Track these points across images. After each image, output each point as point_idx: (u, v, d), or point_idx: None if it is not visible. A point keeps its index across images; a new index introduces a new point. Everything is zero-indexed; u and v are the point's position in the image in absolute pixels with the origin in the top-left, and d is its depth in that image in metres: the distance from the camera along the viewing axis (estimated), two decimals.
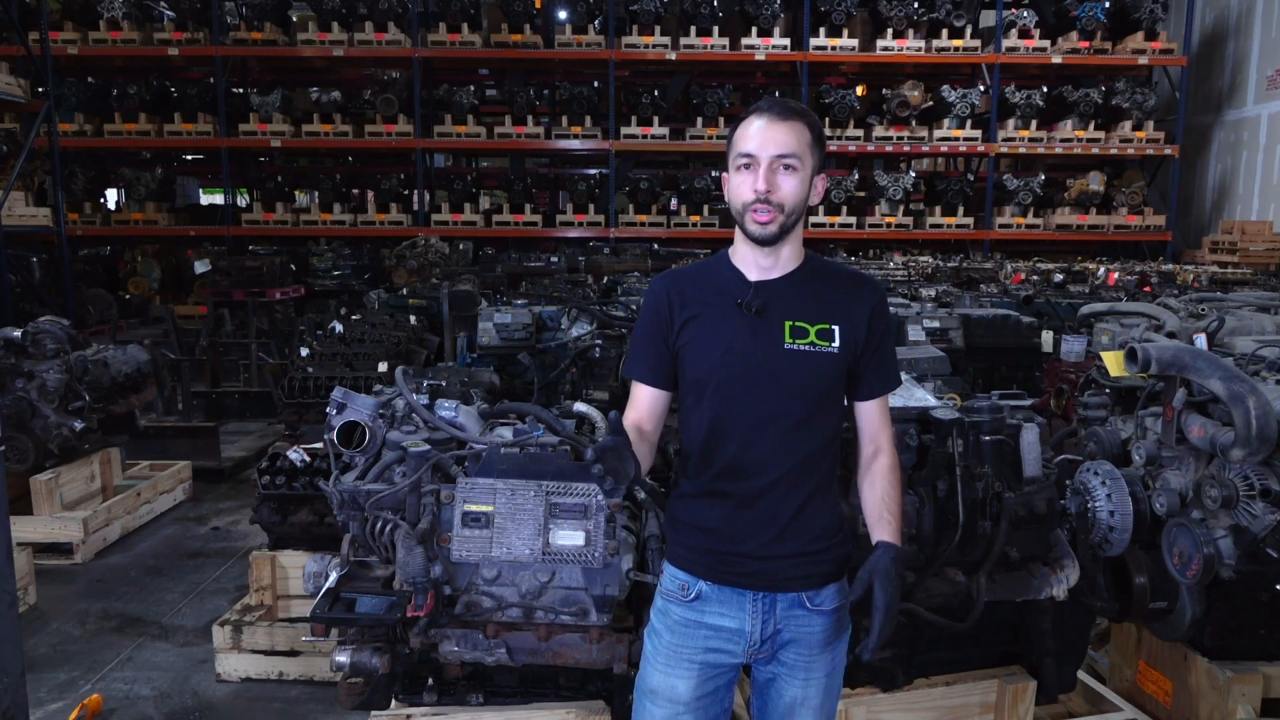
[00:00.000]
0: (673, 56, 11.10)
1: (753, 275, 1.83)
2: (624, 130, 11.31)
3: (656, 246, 11.16)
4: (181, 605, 4.16)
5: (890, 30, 11.17)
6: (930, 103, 11.65)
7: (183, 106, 11.42)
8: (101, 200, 12.28)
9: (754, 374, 1.77)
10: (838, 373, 1.80)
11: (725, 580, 1.81)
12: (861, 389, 1.86)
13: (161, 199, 11.84)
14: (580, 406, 2.82)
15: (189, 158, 14.19)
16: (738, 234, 1.85)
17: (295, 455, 3.50)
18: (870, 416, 1.88)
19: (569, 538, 2.23)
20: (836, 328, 1.79)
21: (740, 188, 1.78)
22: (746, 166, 1.76)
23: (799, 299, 1.81)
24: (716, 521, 1.80)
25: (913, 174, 11.83)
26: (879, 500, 1.85)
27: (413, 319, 5.62)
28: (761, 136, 1.75)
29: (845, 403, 1.89)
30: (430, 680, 2.50)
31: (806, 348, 1.78)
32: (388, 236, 11.24)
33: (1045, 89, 11.67)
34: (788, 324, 1.79)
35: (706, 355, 1.79)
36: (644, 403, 1.87)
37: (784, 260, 1.83)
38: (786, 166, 1.75)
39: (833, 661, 1.86)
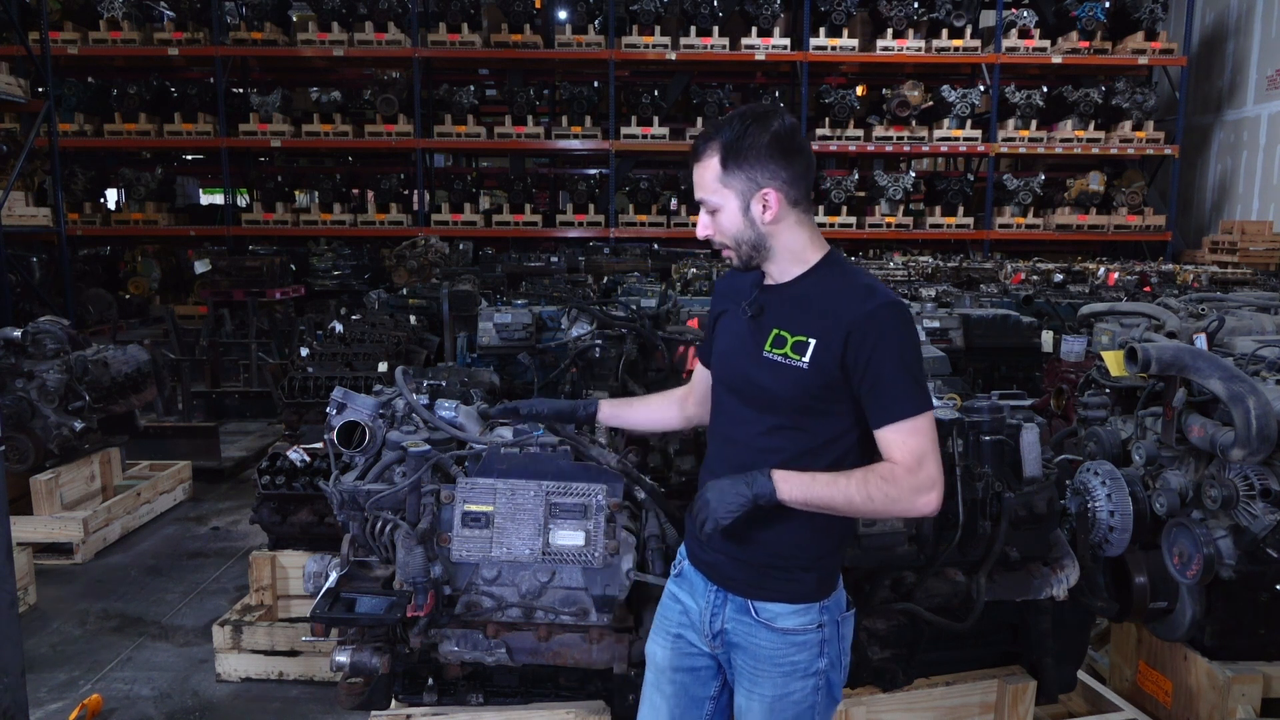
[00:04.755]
0: (673, 56, 11.10)
1: (768, 280, 1.84)
2: (624, 130, 11.31)
3: (656, 246, 11.16)
4: (181, 605, 4.16)
5: (890, 30, 11.17)
6: (930, 103, 11.65)
7: (183, 106, 11.43)
8: (101, 200, 12.28)
9: (736, 378, 1.82)
10: (809, 389, 1.71)
11: (694, 563, 1.92)
12: (868, 416, 1.72)
13: (161, 199, 11.84)
14: None
15: (189, 158, 14.20)
16: None
17: (295, 455, 3.49)
18: (883, 447, 1.70)
19: (569, 538, 2.22)
20: (812, 342, 1.71)
21: None
22: None
23: (793, 307, 1.77)
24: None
25: (913, 174, 11.83)
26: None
27: (413, 319, 5.60)
28: (694, 180, 1.79)
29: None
30: (430, 680, 2.50)
31: (779, 358, 1.74)
32: (388, 236, 11.24)
33: (1045, 89, 11.67)
34: (774, 331, 1.77)
35: (715, 354, 1.91)
36: (696, 380, 2.08)
37: (781, 271, 1.80)
38: (710, 209, 1.77)
39: (785, 686, 1.78)
